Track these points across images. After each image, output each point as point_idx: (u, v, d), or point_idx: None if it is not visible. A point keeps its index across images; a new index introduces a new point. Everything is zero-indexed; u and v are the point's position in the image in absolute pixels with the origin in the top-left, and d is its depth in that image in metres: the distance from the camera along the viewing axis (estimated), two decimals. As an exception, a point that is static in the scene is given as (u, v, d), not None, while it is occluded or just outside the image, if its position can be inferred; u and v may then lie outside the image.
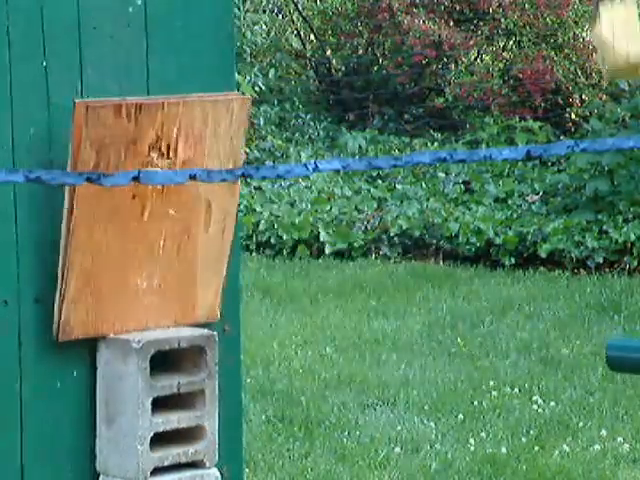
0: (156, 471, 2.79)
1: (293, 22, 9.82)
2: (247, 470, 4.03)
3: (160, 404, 2.79)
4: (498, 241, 7.15)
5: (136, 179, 1.58)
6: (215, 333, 2.84)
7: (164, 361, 2.82)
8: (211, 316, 2.91)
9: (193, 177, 1.59)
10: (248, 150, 8.72)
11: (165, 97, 2.74)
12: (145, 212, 2.70)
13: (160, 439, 2.79)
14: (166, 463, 2.80)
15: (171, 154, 2.69)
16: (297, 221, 7.54)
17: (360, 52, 9.51)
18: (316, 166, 1.59)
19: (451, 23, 9.08)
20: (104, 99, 2.68)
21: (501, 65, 8.96)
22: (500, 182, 8.02)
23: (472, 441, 4.46)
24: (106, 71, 2.78)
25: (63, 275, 2.68)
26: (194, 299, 2.86)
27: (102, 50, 2.78)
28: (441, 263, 7.22)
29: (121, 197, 2.66)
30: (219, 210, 2.80)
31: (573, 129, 8.86)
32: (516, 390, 4.99)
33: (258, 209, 7.77)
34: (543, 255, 7.04)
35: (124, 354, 2.75)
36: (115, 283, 2.73)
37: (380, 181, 8.29)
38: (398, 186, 8.10)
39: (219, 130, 2.74)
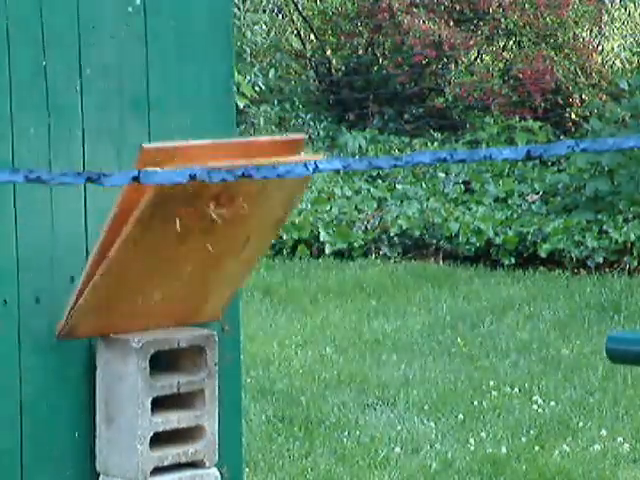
0: (156, 471, 2.79)
1: (293, 22, 9.82)
2: (247, 470, 4.03)
3: (160, 404, 2.79)
4: (498, 241, 7.15)
5: (136, 179, 1.58)
6: (215, 333, 2.84)
7: (164, 361, 2.82)
8: (214, 317, 2.91)
9: (193, 177, 1.59)
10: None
11: (239, 152, 2.68)
12: (183, 246, 2.69)
13: (160, 439, 2.79)
14: (166, 463, 2.80)
15: (227, 204, 2.67)
16: (297, 221, 7.54)
17: (360, 52, 9.51)
18: (316, 166, 1.59)
19: (451, 23, 9.08)
20: (165, 144, 2.63)
21: (501, 65, 8.96)
22: (500, 182, 8.02)
23: (472, 441, 4.46)
24: (106, 70, 2.78)
25: (83, 285, 2.67)
26: (203, 305, 2.87)
27: (101, 50, 2.77)
28: (441, 263, 7.22)
29: (167, 237, 2.63)
30: (256, 244, 2.79)
31: (573, 129, 8.86)
32: (516, 390, 4.99)
33: (258, 209, 7.77)
34: (543, 255, 7.04)
35: (124, 354, 2.75)
36: (132, 298, 2.73)
37: (380, 181, 8.29)
38: (398, 186, 8.10)
39: (281, 188, 2.73)
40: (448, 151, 1.65)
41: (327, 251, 7.39)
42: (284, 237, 7.48)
